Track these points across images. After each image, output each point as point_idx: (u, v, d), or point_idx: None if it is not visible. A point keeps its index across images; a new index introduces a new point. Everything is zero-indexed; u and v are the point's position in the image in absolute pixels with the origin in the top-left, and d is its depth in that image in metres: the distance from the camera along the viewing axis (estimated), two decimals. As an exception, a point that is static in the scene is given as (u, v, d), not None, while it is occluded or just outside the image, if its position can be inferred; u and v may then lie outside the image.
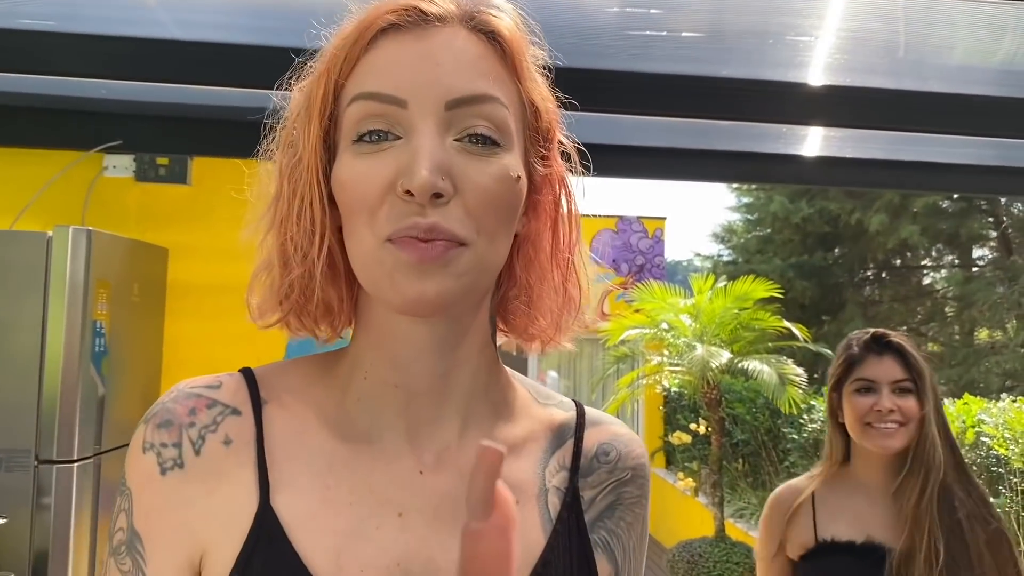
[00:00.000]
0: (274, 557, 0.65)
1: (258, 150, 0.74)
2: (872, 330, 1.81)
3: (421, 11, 0.66)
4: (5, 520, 2.32)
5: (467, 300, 0.67)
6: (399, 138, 0.64)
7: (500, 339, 0.79)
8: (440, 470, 0.70)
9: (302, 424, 0.71)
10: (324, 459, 0.69)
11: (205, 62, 2.15)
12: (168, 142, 2.95)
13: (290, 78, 0.73)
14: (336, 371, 0.73)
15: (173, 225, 3.18)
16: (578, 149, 0.75)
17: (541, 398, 0.80)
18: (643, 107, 2.26)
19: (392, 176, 0.63)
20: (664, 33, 1.98)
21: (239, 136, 2.13)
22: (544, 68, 0.73)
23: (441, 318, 0.68)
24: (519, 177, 0.67)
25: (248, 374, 0.74)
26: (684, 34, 1.99)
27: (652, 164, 2.99)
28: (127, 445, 2.49)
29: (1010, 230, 13.78)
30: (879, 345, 1.76)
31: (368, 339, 0.71)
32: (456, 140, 0.64)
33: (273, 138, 0.73)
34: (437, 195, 0.61)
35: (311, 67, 0.71)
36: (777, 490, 1.89)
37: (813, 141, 2.86)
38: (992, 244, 14.56)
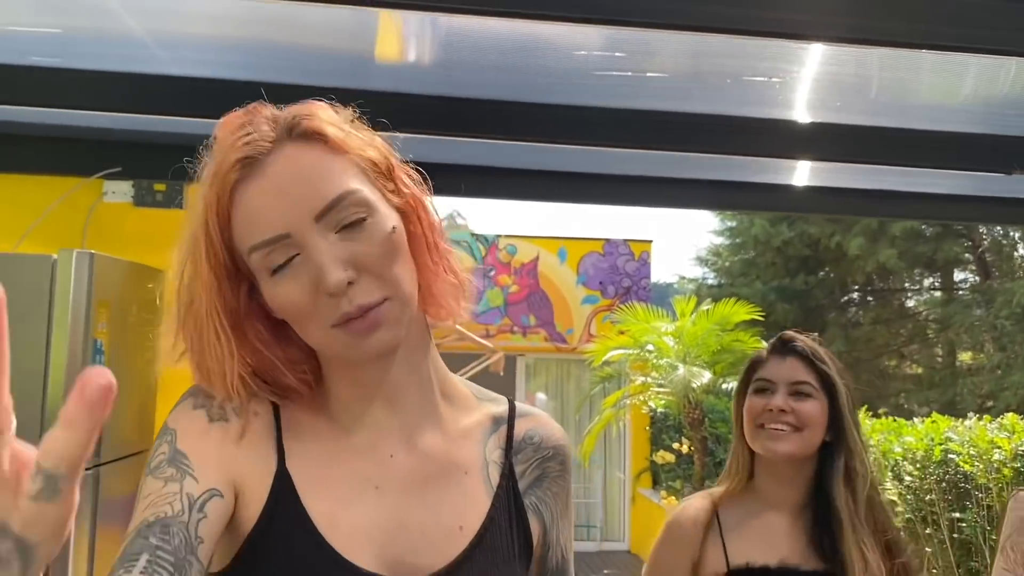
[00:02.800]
0: (290, 511, 0.82)
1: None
2: (782, 333, 1.69)
3: (252, 158, 0.80)
4: (7, 532, 2.38)
5: (408, 331, 0.85)
6: (297, 254, 0.79)
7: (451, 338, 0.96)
8: (406, 454, 0.88)
9: (304, 415, 0.88)
10: (319, 445, 0.87)
11: (198, 95, 2.27)
12: (164, 169, 3.01)
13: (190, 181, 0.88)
14: (318, 388, 0.89)
15: (170, 248, 3.24)
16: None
17: (480, 395, 0.99)
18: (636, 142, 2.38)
19: (310, 286, 0.78)
20: (650, 74, 2.09)
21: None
22: (353, 119, 0.87)
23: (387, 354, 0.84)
24: (394, 228, 0.82)
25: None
26: (660, 75, 2.11)
27: (642, 192, 3.10)
28: (126, 456, 2.56)
29: (987, 254, 14.03)
30: (783, 347, 1.64)
31: (335, 376, 0.88)
32: (336, 233, 0.79)
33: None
34: (350, 282, 0.78)
35: (192, 206, 0.85)
36: (677, 512, 1.68)
37: (800, 172, 2.97)
38: (971, 267, 14.82)
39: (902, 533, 1.58)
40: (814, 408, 1.56)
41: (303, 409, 0.88)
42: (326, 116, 0.84)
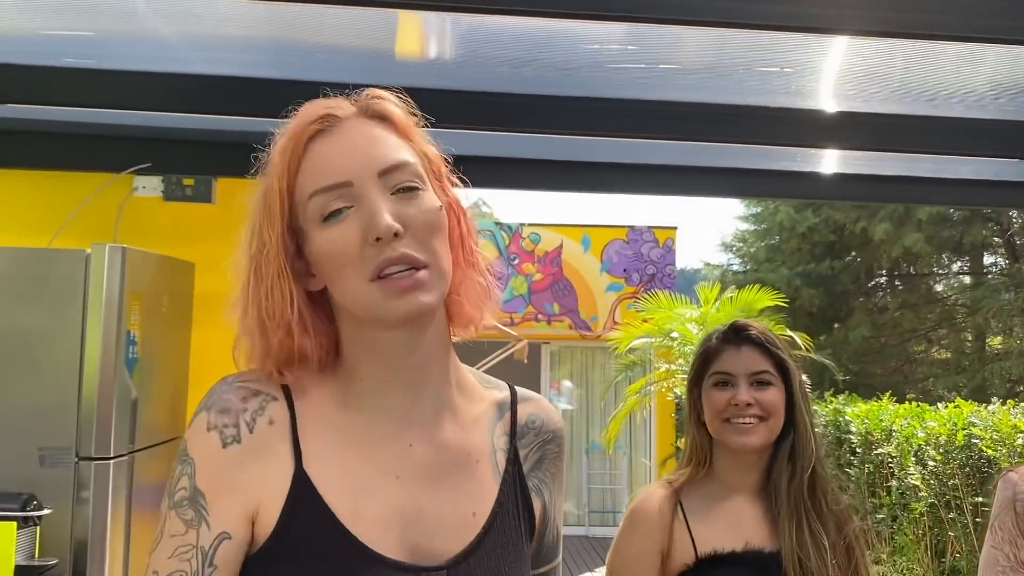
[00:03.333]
0: (311, 507, 0.86)
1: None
2: (733, 321, 1.69)
3: (334, 115, 0.90)
4: (49, 511, 2.46)
5: (438, 305, 0.90)
6: (351, 207, 0.86)
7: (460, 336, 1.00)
8: (424, 444, 0.92)
9: (321, 411, 0.91)
10: (338, 437, 0.90)
11: (224, 93, 2.34)
12: (193, 164, 3.11)
13: (255, 171, 0.95)
14: (337, 374, 0.93)
15: (199, 241, 3.31)
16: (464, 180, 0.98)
17: (484, 382, 1.03)
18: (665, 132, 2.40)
19: (360, 233, 0.85)
20: (675, 66, 2.10)
21: (258, 159, 2.27)
22: (419, 122, 0.96)
23: (416, 324, 0.89)
24: (441, 207, 0.90)
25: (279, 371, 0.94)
26: (684, 67, 2.12)
27: (668, 181, 3.11)
28: (159, 444, 2.64)
29: (1016, 238, 13.83)
30: (737, 336, 1.63)
31: (359, 350, 0.91)
32: (393, 194, 0.87)
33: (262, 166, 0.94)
34: (396, 233, 0.84)
35: (266, 166, 0.92)
36: (637, 501, 1.66)
37: (827, 160, 2.97)
38: (1000, 251, 14.61)
39: (848, 504, 1.60)
40: (775, 396, 1.58)
41: (322, 399, 0.92)
42: (397, 105, 0.94)
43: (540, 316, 10.03)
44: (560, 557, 1.06)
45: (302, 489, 0.86)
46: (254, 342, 0.89)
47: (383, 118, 0.92)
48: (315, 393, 0.92)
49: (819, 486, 1.57)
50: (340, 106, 0.91)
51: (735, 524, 1.58)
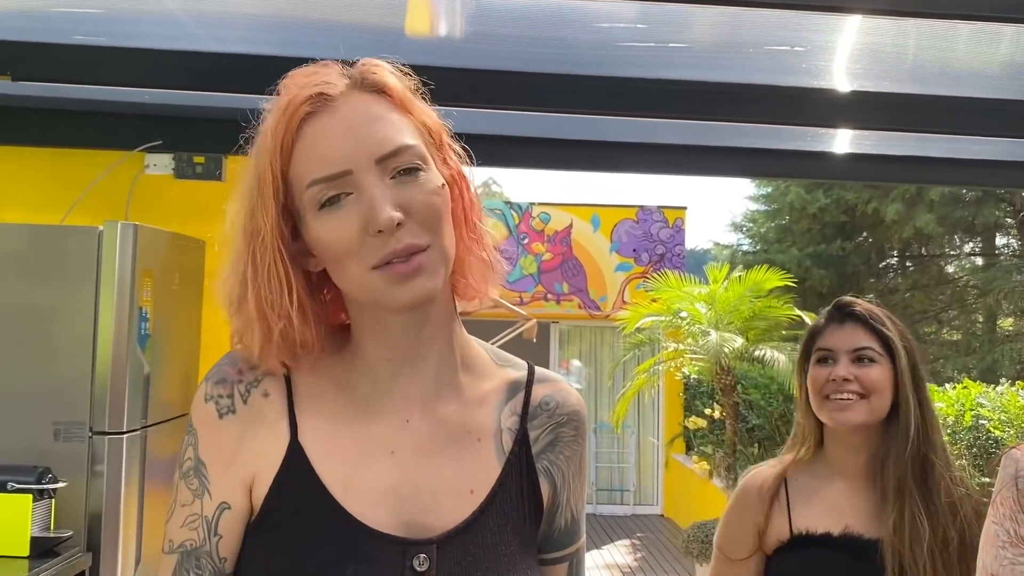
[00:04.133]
0: (302, 478, 0.87)
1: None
2: (839, 298, 1.65)
3: (326, 95, 0.85)
4: (65, 484, 2.50)
5: (442, 289, 0.88)
6: (350, 194, 0.83)
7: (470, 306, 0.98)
8: (421, 419, 0.91)
9: (318, 387, 0.91)
10: (335, 412, 0.90)
11: (234, 70, 2.33)
12: (204, 142, 3.12)
13: (245, 143, 0.91)
14: (343, 350, 0.92)
15: (210, 219, 3.31)
16: (466, 148, 0.95)
17: (499, 360, 1.01)
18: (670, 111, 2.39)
19: (360, 224, 0.82)
20: (687, 45, 2.09)
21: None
22: (416, 89, 0.91)
23: (421, 307, 0.87)
24: (443, 185, 0.87)
25: None
26: (696, 45, 2.10)
27: (679, 160, 3.10)
28: (171, 419, 2.69)
29: (1030, 219, 13.72)
30: (841, 313, 1.60)
31: (364, 328, 0.90)
32: (392, 178, 0.83)
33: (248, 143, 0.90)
34: (399, 224, 0.81)
35: (255, 142, 0.88)
36: (746, 478, 1.67)
37: (840, 139, 2.95)
38: (1012, 232, 14.51)
39: (966, 494, 1.52)
40: (878, 373, 1.53)
41: (318, 377, 0.91)
42: (392, 74, 0.89)
43: (549, 295, 10.04)
44: (582, 542, 1.02)
45: (295, 460, 0.87)
46: (254, 331, 0.87)
47: (380, 91, 0.87)
48: (314, 370, 0.91)
49: (931, 475, 1.50)
50: (332, 81, 0.86)
51: (836, 507, 1.56)
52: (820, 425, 1.61)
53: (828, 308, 1.64)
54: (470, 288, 0.95)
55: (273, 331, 0.87)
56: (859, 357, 1.55)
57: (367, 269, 0.82)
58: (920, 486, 1.48)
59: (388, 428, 0.90)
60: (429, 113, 0.91)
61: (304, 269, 0.88)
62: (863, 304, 1.60)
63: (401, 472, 0.88)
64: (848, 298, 1.63)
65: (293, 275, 0.86)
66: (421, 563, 0.85)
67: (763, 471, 1.66)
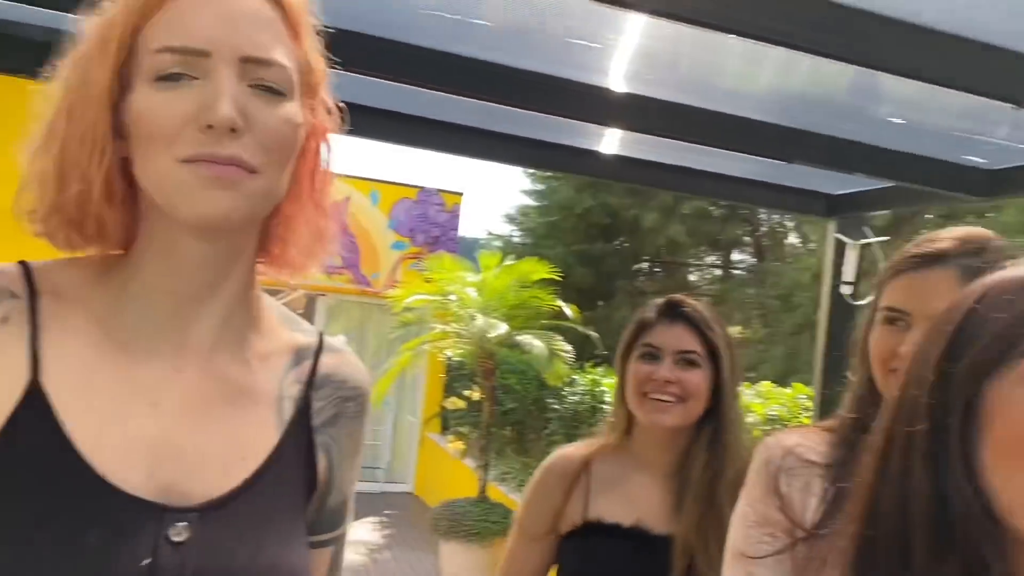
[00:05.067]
0: (40, 425, 0.74)
1: (43, 71, 0.79)
2: (672, 295, 1.64)
3: None
4: None
5: (249, 223, 0.80)
6: (196, 79, 0.73)
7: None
8: (193, 370, 0.81)
9: (74, 317, 0.78)
10: (92, 350, 0.78)
11: None
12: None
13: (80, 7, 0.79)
14: (113, 274, 0.81)
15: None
16: (341, 107, 0.88)
17: (290, 323, 0.94)
18: (449, 86, 2.37)
19: (192, 110, 0.72)
20: (475, 21, 2.08)
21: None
22: (317, 31, 0.84)
23: (222, 236, 0.79)
24: (299, 124, 0.79)
25: (25, 266, 0.80)
26: (485, 23, 2.10)
27: (455, 140, 3.10)
28: None
29: (763, 239, 15.38)
30: (673, 312, 1.60)
31: (150, 251, 0.80)
32: (249, 86, 0.75)
33: (60, 61, 0.79)
34: (233, 129, 0.72)
35: (106, 6, 0.78)
36: (551, 458, 1.67)
37: (609, 139, 3.09)
38: (748, 249, 16.18)
39: None
40: (699, 378, 1.54)
41: (75, 306, 0.79)
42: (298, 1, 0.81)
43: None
44: (345, 528, 0.96)
45: (33, 404, 0.74)
46: (45, 189, 0.76)
47: (278, 1, 0.79)
48: (75, 297, 0.79)
49: (732, 478, 1.47)
50: None
51: (633, 499, 1.56)
52: (630, 417, 1.62)
53: (659, 303, 1.63)
54: (287, 256, 0.86)
55: (67, 192, 0.75)
56: (684, 359, 1.55)
57: (175, 160, 0.73)
58: (729, 495, 1.46)
59: (154, 375, 0.79)
60: (317, 57, 0.84)
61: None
62: (695, 306, 1.60)
63: (163, 428, 0.78)
64: (680, 297, 1.63)
65: (110, 141, 0.75)
66: (179, 533, 0.74)
67: (569, 452, 1.66)
